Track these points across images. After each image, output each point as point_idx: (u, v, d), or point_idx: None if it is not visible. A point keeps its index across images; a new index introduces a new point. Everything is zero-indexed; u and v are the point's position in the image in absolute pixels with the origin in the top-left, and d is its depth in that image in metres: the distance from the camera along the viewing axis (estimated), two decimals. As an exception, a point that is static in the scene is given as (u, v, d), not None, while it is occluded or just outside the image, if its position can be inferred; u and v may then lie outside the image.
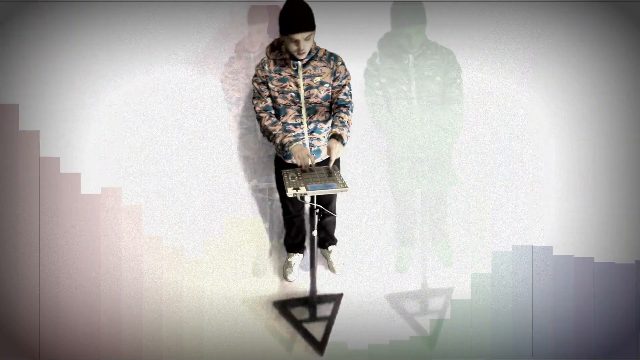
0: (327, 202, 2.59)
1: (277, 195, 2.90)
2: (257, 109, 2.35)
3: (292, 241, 2.79)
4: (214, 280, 2.70)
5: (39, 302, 2.49)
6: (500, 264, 2.82)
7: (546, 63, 2.83)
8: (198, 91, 2.82)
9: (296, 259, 2.80)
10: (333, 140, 2.24)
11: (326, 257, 2.85)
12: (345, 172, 2.64)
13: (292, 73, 2.29)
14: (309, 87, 2.31)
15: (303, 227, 2.78)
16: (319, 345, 2.32)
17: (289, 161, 2.44)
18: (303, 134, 2.38)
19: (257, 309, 2.54)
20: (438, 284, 2.71)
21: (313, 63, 2.30)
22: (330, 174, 2.23)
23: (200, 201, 2.92)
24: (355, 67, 2.60)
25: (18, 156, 2.68)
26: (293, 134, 2.35)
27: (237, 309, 2.54)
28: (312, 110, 2.35)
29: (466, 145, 2.97)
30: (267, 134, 2.33)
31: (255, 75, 2.33)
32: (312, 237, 2.32)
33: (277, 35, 2.29)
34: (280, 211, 2.80)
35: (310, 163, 2.22)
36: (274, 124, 2.32)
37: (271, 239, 2.96)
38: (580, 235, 2.89)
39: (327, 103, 2.38)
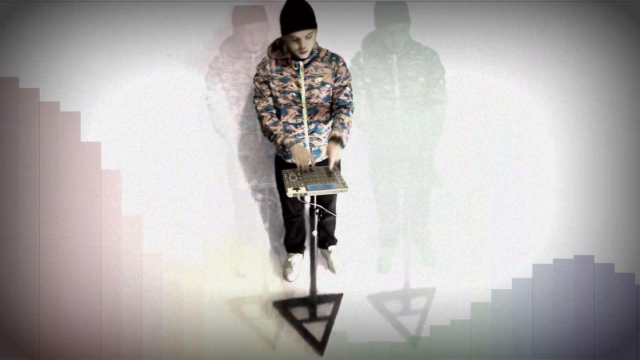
0: (327, 202, 2.59)
1: (277, 195, 2.90)
2: (259, 108, 2.35)
3: (292, 241, 2.79)
4: (214, 281, 2.70)
5: (39, 302, 2.49)
6: (501, 263, 2.82)
7: (546, 63, 2.83)
8: (198, 91, 2.82)
9: (296, 259, 2.80)
10: (332, 143, 2.24)
11: (326, 257, 2.85)
12: (345, 172, 2.64)
13: (294, 73, 2.29)
14: (310, 88, 2.31)
15: (303, 227, 2.78)
16: (319, 345, 2.32)
17: (289, 161, 2.44)
18: (303, 134, 2.38)
19: (257, 309, 2.54)
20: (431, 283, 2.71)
21: (314, 63, 2.30)
22: (330, 174, 2.23)
23: (200, 201, 2.92)
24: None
25: (18, 156, 2.68)
26: (294, 134, 2.35)
27: (237, 309, 2.54)
28: (312, 111, 2.35)
29: (466, 145, 2.97)
30: (268, 134, 2.33)
31: (256, 75, 2.33)
32: (312, 237, 2.32)
33: (278, 35, 2.29)
34: (280, 211, 2.80)
35: (310, 164, 2.22)
36: (275, 124, 2.32)
37: (271, 239, 2.96)
38: (580, 235, 2.89)
39: (327, 103, 2.38)
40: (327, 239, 2.83)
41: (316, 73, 2.31)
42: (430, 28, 2.76)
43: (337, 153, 2.22)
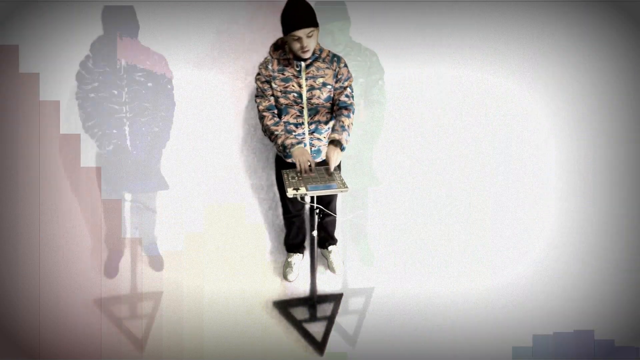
0: (327, 202, 2.59)
1: (277, 195, 2.90)
2: (260, 107, 2.35)
3: (292, 241, 2.79)
4: (214, 280, 2.70)
5: (39, 302, 2.49)
6: (501, 263, 2.82)
7: (546, 63, 2.83)
8: (198, 91, 2.83)
9: (296, 259, 2.80)
10: (332, 147, 2.24)
11: (326, 257, 2.85)
12: (345, 172, 2.64)
13: (295, 73, 2.29)
14: (311, 88, 2.31)
15: (303, 227, 2.78)
16: (319, 345, 2.32)
17: (289, 160, 2.44)
18: (304, 134, 2.38)
19: (257, 309, 2.54)
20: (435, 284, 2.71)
21: (316, 64, 2.30)
22: (330, 174, 2.23)
23: (200, 201, 2.93)
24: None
25: (18, 156, 2.68)
26: (294, 134, 2.35)
27: (237, 309, 2.54)
28: (313, 111, 2.35)
29: (466, 145, 2.97)
30: (269, 134, 2.33)
31: (258, 74, 2.33)
32: (312, 237, 2.32)
33: (279, 35, 2.29)
34: (280, 211, 2.80)
35: (310, 166, 2.23)
36: (276, 124, 2.32)
37: (271, 239, 2.96)
38: (580, 235, 2.89)
39: (328, 104, 2.38)
40: (327, 239, 2.83)
41: (318, 74, 2.31)
42: (430, 28, 2.75)
43: (336, 157, 2.22)
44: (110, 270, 2.68)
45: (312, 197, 2.22)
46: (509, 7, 2.75)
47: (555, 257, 2.81)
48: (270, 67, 2.30)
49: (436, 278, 2.75)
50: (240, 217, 2.97)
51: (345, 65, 2.35)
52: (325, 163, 2.35)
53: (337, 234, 2.87)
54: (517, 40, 2.69)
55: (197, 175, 2.91)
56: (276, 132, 2.30)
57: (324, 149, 2.44)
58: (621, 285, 2.63)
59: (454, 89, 2.90)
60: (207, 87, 2.83)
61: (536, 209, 2.99)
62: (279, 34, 2.27)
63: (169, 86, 2.57)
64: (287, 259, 2.80)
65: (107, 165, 2.54)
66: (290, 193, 2.07)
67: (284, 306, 2.54)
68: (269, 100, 2.33)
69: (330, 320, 2.45)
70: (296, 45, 2.20)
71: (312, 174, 2.24)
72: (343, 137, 2.25)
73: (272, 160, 2.78)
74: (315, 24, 2.19)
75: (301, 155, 2.23)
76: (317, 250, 2.36)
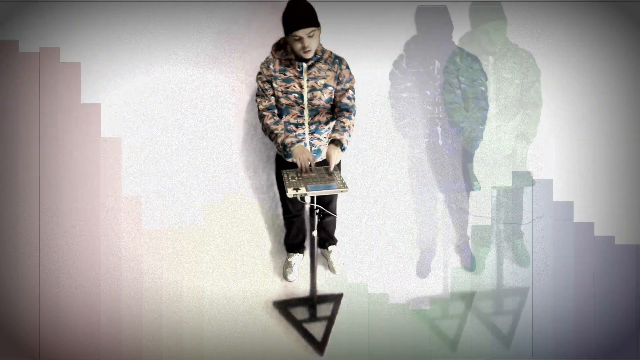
0: (327, 202, 2.59)
1: (277, 195, 2.90)
2: (260, 107, 2.35)
3: (292, 241, 2.79)
4: (214, 280, 2.70)
5: (39, 302, 2.49)
6: (501, 263, 2.82)
7: (546, 63, 2.82)
8: (198, 91, 2.82)
9: (296, 259, 2.80)
10: (332, 146, 2.24)
11: (326, 257, 2.85)
12: (345, 172, 2.64)
13: (297, 74, 2.29)
14: (312, 89, 2.31)
15: (303, 227, 2.78)
16: (319, 345, 2.32)
17: (289, 160, 2.44)
18: (304, 134, 2.38)
19: (257, 309, 2.54)
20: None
21: (318, 65, 2.30)
22: (330, 174, 2.23)
23: (200, 201, 2.92)
24: (357, 70, 2.59)
25: (18, 156, 2.68)
26: (294, 134, 2.35)
27: (237, 309, 2.54)
28: (314, 112, 2.35)
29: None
30: (269, 133, 2.33)
31: (259, 73, 2.33)
32: (312, 237, 2.32)
33: (279, 35, 2.29)
34: (280, 211, 2.80)
35: (310, 165, 2.23)
36: (276, 123, 2.32)
37: (271, 239, 2.96)
38: (580, 235, 2.88)
39: (329, 105, 2.38)
40: (327, 239, 2.83)
41: (319, 75, 2.31)
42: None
43: (336, 157, 2.22)
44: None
45: (312, 197, 2.22)
46: (509, 7, 2.74)
47: (555, 257, 2.80)
48: (271, 66, 2.30)
49: (436, 278, 2.75)
50: (240, 217, 2.97)
51: (347, 67, 2.35)
52: (325, 163, 2.35)
53: (337, 234, 2.87)
54: (517, 40, 2.68)
55: (197, 175, 2.91)
56: (276, 131, 2.30)
57: (324, 149, 2.44)
58: (620, 286, 2.63)
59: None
60: (207, 87, 2.83)
61: (536, 209, 2.99)
62: (279, 33, 2.27)
63: None
64: (287, 259, 2.80)
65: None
66: (290, 193, 2.07)
67: (284, 306, 2.53)
68: (269, 100, 2.33)
69: (330, 320, 2.45)
70: (297, 46, 2.20)
71: (312, 174, 2.24)
72: (344, 137, 2.26)
73: (272, 160, 2.77)
74: (316, 24, 2.19)
75: (301, 154, 2.23)
76: (317, 250, 2.37)
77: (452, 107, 2.54)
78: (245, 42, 2.81)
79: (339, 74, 2.33)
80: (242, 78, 2.84)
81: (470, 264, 2.79)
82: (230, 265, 2.81)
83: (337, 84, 2.34)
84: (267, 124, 2.32)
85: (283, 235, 2.86)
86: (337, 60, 2.34)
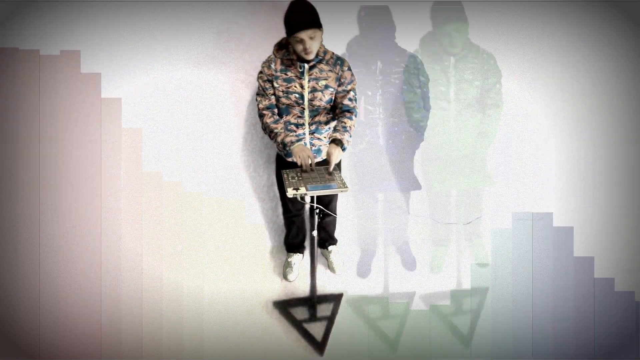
0: (327, 202, 2.59)
1: (277, 195, 2.90)
2: (260, 106, 2.35)
3: (292, 241, 2.79)
4: (214, 280, 2.70)
5: (39, 302, 2.49)
6: (501, 263, 2.82)
7: (546, 63, 2.83)
8: (198, 91, 2.82)
9: (296, 259, 2.80)
10: (333, 146, 2.24)
11: (326, 257, 2.85)
12: (345, 172, 2.64)
13: (298, 74, 2.29)
14: (313, 90, 2.31)
15: (303, 227, 2.78)
16: (319, 345, 2.32)
17: (289, 159, 2.44)
18: (304, 134, 2.38)
19: (257, 309, 2.54)
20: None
21: (320, 66, 2.30)
22: (330, 174, 2.23)
23: (200, 201, 2.92)
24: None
25: (18, 156, 2.68)
26: (294, 133, 2.35)
27: (237, 309, 2.54)
28: (314, 112, 2.35)
29: (466, 145, 2.96)
30: (269, 132, 2.33)
31: (260, 72, 2.33)
32: (312, 237, 2.32)
33: (280, 35, 2.29)
34: (280, 211, 2.80)
35: (310, 163, 2.23)
36: (276, 122, 2.32)
37: (271, 239, 2.95)
38: (580, 235, 2.88)
39: (329, 106, 2.38)
40: (327, 239, 2.83)
41: (320, 76, 2.31)
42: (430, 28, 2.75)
43: (336, 156, 2.22)
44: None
45: (312, 197, 2.22)
46: (509, 7, 2.75)
47: (555, 257, 2.80)
48: (273, 66, 2.30)
49: (437, 278, 2.75)
50: (240, 217, 2.97)
51: (349, 69, 2.35)
52: (325, 163, 2.35)
53: (337, 233, 2.87)
54: (517, 40, 2.69)
55: (197, 175, 2.91)
56: (276, 130, 2.30)
57: (324, 149, 2.44)
58: (620, 286, 2.63)
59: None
60: (207, 87, 2.83)
61: (536, 209, 2.99)
62: (279, 33, 2.27)
63: None
64: (287, 259, 2.80)
65: None
66: (290, 193, 2.07)
67: (284, 306, 2.54)
68: (270, 99, 2.33)
69: (330, 320, 2.45)
70: (299, 47, 2.20)
71: (313, 172, 2.24)
72: (345, 137, 2.26)
73: (272, 160, 2.77)
74: (317, 26, 2.19)
75: (301, 152, 2.23)
76: (317, 250, 2.36)
77: (411, 107, 2.57)
78: (245, 42, 2.81)
79: (341, 75, 2.33)
80: (242, 78, 2.84)
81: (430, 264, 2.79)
82: (230, 265, 2.81)
83: (339, 86, 2.34)
84: (266, 122, 2.32)
85: (283, 235, 2.86)
86: (339, 62, 2.34)
